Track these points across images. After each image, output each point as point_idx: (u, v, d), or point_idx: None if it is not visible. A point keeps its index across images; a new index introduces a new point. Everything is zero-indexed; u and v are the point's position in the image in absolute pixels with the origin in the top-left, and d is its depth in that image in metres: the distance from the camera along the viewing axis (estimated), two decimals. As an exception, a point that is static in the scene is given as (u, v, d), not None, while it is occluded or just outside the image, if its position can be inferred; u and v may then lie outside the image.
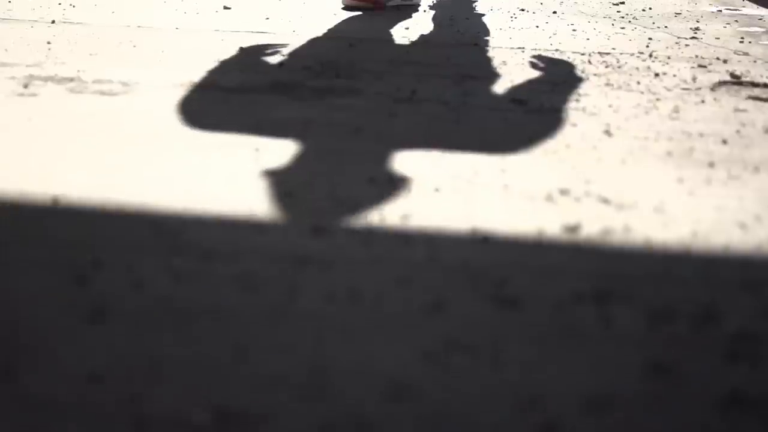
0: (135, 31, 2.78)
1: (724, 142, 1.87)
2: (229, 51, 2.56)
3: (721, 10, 3.64)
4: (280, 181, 1.54)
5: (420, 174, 1.59)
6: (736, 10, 3.69)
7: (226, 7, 3.20)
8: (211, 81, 2.20)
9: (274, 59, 2.46)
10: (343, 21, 3.07)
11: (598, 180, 1.61)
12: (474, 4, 3.46)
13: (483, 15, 3.24)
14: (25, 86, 2.09)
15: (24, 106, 1.94)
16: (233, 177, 1.55)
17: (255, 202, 1.44)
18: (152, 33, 2.77)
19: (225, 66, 2.37)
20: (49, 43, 2.58)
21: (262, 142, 1.74)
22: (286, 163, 1.63)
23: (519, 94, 2.20)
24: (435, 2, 3.39)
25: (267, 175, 1.56)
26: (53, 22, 2.88)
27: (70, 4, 3.19)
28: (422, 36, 2.83)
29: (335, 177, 1.57)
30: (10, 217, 1.37)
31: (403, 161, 1.66)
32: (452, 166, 1.65)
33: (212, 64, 2.39)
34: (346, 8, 3.21)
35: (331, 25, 3.00)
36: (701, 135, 1.91)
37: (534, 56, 2.62)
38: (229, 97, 2.06)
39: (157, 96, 2.04)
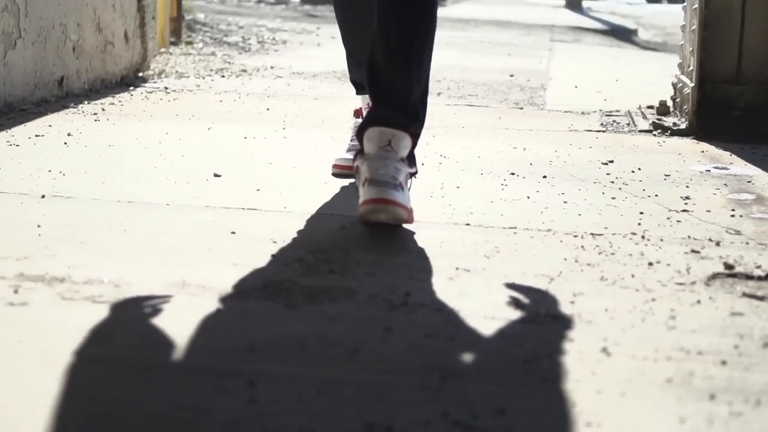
0: (125, 210, 2.77)
1: (723, 363, 1.85)
2: (222, 236, 2.55)
3: (709, 170, 3.66)
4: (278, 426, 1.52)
5: (416, 415, 1.56)
6: (724, 168, 3.71)
7: (216, 175, 3.20)
8: (203, 280, 2.18)
9: (266, 248, 2.45)
10: (335, 192, 3.07)
11: (598, 420, 1.58)
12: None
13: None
14: (15, 291, 2.07)
15: (14, 321, 1.92)
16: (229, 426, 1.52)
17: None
18: (142, 212, 2.76)
19: (217, 258, 2.36)
20: (39, 226, 2.57)
21: (257, 372, 1.71)
22: (283, 403, 1.60)
23: (515, 292, 2.19)
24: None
25: (265, 416, 1.53)
26: (43, 197, 2.87)
27: (60, 172, 3.18)
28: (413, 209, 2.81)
29: (331, 423, 1.54)
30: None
31: (401, 396, 1.63)
32: (448, 403, 1.62)
33: (204, 255, 2.38)
34: (335, 175, 3.21)
35: (323, 198, 2.99)
36: (700, 353, 1.89)
37: (527, 238, 2.62)
38: (222, 306, 2.04)
39: (150, 305, 2.02)
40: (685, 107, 4.63)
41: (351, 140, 3.31)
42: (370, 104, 2.72)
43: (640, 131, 4.52)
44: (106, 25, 5.24)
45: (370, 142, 2.62)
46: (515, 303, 2.13)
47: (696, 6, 4.57)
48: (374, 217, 2.53)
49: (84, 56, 5.02)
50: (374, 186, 2.52)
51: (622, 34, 13.33)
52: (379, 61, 2.64)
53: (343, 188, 3.10)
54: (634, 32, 14.01)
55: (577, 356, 1.85)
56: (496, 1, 21.38)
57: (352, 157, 3.01)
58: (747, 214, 3.00)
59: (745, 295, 2.25)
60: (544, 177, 3.41)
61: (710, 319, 2.08)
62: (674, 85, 4.97)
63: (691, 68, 4.60)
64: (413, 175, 2.75)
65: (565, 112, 5.10)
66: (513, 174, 3.44)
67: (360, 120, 3.19)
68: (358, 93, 3.33)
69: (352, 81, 3.33)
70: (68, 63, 4.87)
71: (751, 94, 4.47)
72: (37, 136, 3.79)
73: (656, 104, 5.01)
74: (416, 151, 2.78)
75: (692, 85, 4.51)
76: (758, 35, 4.48)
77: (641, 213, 2.95)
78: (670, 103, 4.96)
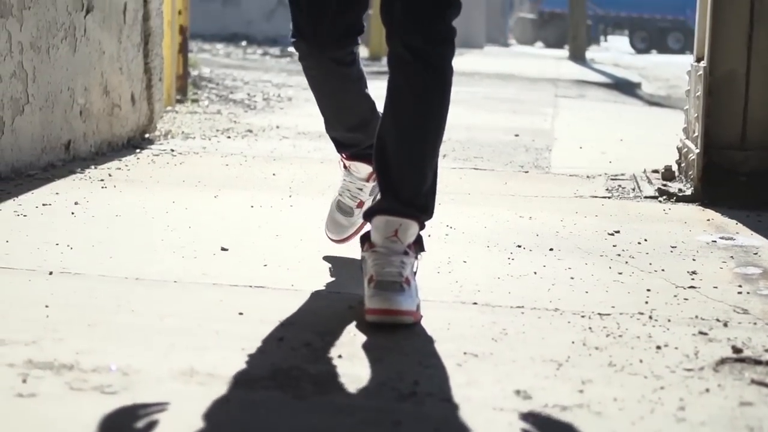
0: (133, 287, 2.78)
1: (734, 460, 1.84)
2: (230, 317, 2.55)
3: (716, 241, 3.67)
4: None
5: None
6: (730, 239, 3.71)
7: (223, 249, 3.21)
8: (211, 367, 2.18)
9: (274, 331, 2.45)
10: (341, 268, 3.07)
11: None
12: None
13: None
14: (24, 380, 2.07)
15: (23, 416, 1.91)
16: None
17: None
18: (150, 290, 2.76)
19: (225, 342, 2.36)
20: (47, 306, 2.57)
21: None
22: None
23: (524, 383, 2.18)
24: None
25: None
26: (51, 273, 2.87)
27: (68, 245, 3.18)
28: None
29: None
30: None
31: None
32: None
33: (212, 338, 2.38)
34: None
35: (330, 274, 3.00)
36: (710, 449, 1.88)
37: (535, 319, 2.62)
38: (231, 397, 2.04)
39: (159, 397, 2.02)
40: (690, 173, 4.65)
41: (339, 194, 3.19)
42: (379, 192, 2.72)
43: (646, 197, 4.54)
44: (113, 88, 5.27)
45: (377, 231, 2.63)
46: (524, 392, 2.12)
47: (701, 73, 4.60)
48: (380, 323, 2.52)
49: (91, 120, 5.04)
50: (380, 291, 2.52)
51: (626, 87, 13.38)
52: (389, 152, 2.64)
53: (349, 262, 3.10)
54: (638, 85, 14.07)
55: (587, 453, 1.84)
56: (499, 52, 21.54)
57: (337, 228, 3.20)
58: (754, 291, 3.00)
59: (753, 382, 2.25)
60: (551, 250, 3.41)
61: (720, 409, 2.08)
62: (679, 150, 4.98)
63: (696, 134, 4.61)
64: (420, 251, 2.75)
65: (571, 175, 5.12)
66: (519, 246, 3.44)
67: (347, 174, 3.17)
68: (339, 151, 3.15)
69: (332, 138, 3.14)
70: (75, 127, 4.89)
71: (756, 159, 4.49)
72: (44, 205, 3.80)
73: (661, 168, 5.03)
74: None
75: (697, 151, 4.53)
76: (763, 101, 4.50)
77: (648, 290, 2.95)
78: (675, 168, 4.97)
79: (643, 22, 38.58)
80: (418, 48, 2.56)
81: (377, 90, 2.90)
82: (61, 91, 4.74)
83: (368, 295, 2.56)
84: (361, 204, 3.15)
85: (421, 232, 2.72)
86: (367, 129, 3.00)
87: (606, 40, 41.77)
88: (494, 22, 37.19)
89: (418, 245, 2.71)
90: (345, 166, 3.16)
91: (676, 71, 18.60)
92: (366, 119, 3.01)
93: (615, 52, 24.94)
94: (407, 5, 2.55)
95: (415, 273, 2.65)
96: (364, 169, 3.11)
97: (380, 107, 2.77)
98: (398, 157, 2.64)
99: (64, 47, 4.74)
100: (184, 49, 7.93)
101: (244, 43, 19.07)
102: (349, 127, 3.04)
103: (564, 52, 23.30)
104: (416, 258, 2.68)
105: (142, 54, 5.62)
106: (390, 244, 2.61)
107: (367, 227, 2.76)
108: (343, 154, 3.14)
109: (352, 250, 3.06)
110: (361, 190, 3.16)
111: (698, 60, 4.77)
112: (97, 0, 5.04)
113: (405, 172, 2.65)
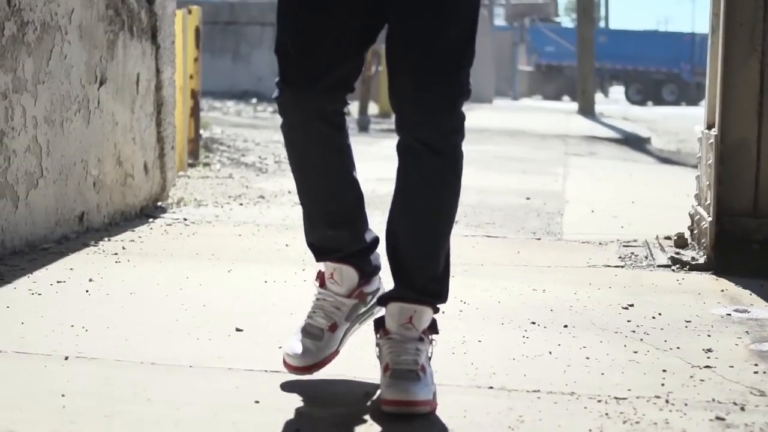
0: (148, 373, 2.78)
1: None
2: (246, 406, 2.55)
3: (730, 314, 3.66)
4: None
5: None
6: (745, 311, 3.71)
7: (238, 329, 3.21)
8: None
9: (291, 421, 2.45)
10: (357, 351, 3.07)
11: None
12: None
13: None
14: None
15: None
16: None
17: None
18: (166, 376, 2.76)
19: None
20: (63, 396, 2.57)
21: None
22: None
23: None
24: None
25: None
26: (66, 358, 2.88)
27: (83, 327, 3.19)
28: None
29: None
30: None
31: None
32: None
33: (229, 429, 2.38)
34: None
35: (345, 357, 2.99)
36: None
37: (551, 404, 2.61)
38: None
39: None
40: (703, 241, 4.65)
41: (308, 317, 2.78)
42: (393, 278, 2.71)
43: (659, 266, 4.53)
44: (126, 158, 5.30)
45: (392, 318, 2.63)
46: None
47: (712, 141, 4.61)
48: (397, 413, 2.50)
49: (104, 190, 5.07)
50: (396, 381, 2.52)
51: (635, 143, 13.42)
52: (402, 241, 2.64)
53: (364, 344, 3.10)
54: (647, 140, 14.11)
55: None
56: (508, 106, 21.61)
57: (300, 351, 2.70)
58: (770, 372, 2.99)
59: (773, 473, 2.23)
60: (565, 326, 3.41)
61: (739, 504, 2.07)
62: (691, 216, 4.99)
63: (708, 201, 4.62)
64: (434, 333, 2.74)
65: (583, 242, 5.12)
66: (534, 323, 3.44)
67: (323, 290, 2.76)
68: (318, 259, 2.79)
69: (309, 244, 2.78)
70: (89, 198, 4.92)
71: (768, 227, 4.49)
72: (58, 282, 3.81)
73: (674, 235, 5.03)
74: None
75: (710, 219, 4.53)
76: (774, 168, 4.51)
77: (664, 370, 2.94)
78: (687, 235, 4.97)
79: (638, 74, 39.21)
80: (430, 140, 2.56)
81: (386, 150, 2.90)
82: (75, 163, 4.77)
83: (384, 385, 2.55)
84: (334, 327, 2.71)
85: (436, 321, 2.72)
86: (354, 227, 2.72)
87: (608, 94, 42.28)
88: (503, 74, 37.41)
89: (432, 329, 2.71)
90: (322, 282, 2.75)
91: (684, 124, 18.67)
92: (353, 214, 2.72)
93: (623, 104, 24.99)
94: (418, 97, 2.52)
95: (430, 358, 2.65)
96: (348, 278, 2.71)
97: (386, 177, 2.76)
98: (411, 245, 2.64)
99: (77, 120, 4.77)
100: (195, 113, 7.98)
101: (254, 100, 19.20)
102: (333, 222, 2.69)
103: (573, 105, 23.37)
104: (431, 343, 2.68)
105: (154, 123, 5.66)
106: (405, 332, 2.61)
107: (381, 312, 2.75)
108: (324, 264, 2.76)
109: (367, 334, 3.06)
110: (338, 309, 2.72)
111: (709, 127, 4.79)
112: (110, 71, 5.08)
113: (418, 260, 2.65)
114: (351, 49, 2.61)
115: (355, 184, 2.72)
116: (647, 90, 39.38)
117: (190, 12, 7.73)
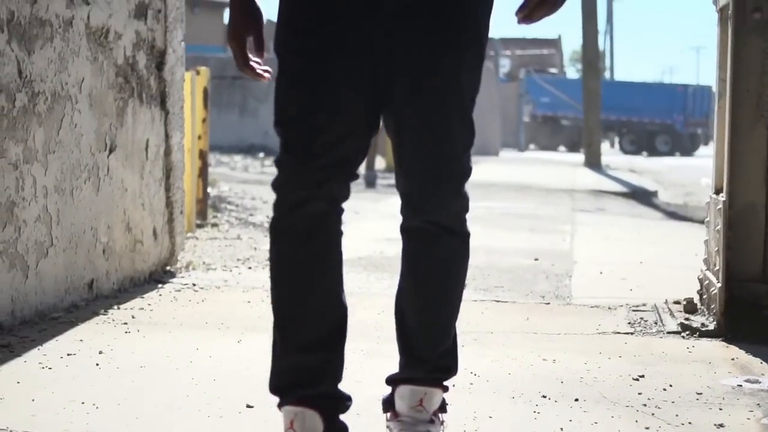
0: (160, 455, 2.77)
1: None
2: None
3: (741, 385, 3.65)
4: None
5: None
6: (756, 382, 3.70)
7: (248, 406, 3.21)
8: None
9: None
10: (367, 430, 3.06)
11: None
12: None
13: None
14: None
15: None
16: None
17: None
18: (177, 458, 2.75)
19: None
20: (74, 481, 2.56)
21: None
22: None
23: None
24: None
25: None
26: (77, 439, 2.87)
27: (94, 404, 3.19)
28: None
29: None
30: None
31: None
32: None
33: None
34: None
35: None
36: None
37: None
38: None
39: None
40: (712, 306, 4.64)
41: None
42: (400, 357, 2.71)
43: (669, 332, 4.52)
44: (135, 224, 5.32)
45: (402, 400, 2.63)
46: None
47: (720, 206, 4.62)
48: None
49: (113, 257, 5.08)
50: None
51: (642, 197, 13.44)
52: (411, 321, 2.65)
53: (375, 425, 3.09)
54: (654, 194, 14.12)
55: None
56: (515, 158, 21.64)
57: None
58: (783, 449, 2.97)
59: None
60: (576, 400, 3.39)
61: None
62: (701, 281, 4.98)
63: (717, 267, 4.62)
64: (443, 412, 2.74)
65: (592, 307, 5.12)
66: (545, 397, 3.43)
67: None
68: (281, 402, 2.48)
69: (275, 388, 2.48)
70: (98, 266, 4.93)
71: (778, 292, 4.48)
72: (68, 355, 3.81)
73: (683, 300, 5.02)
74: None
75: (719, 285, 4.52)
76: (783, 234, 4.51)
77: (677, 449, 2.93)
78: (696, 300, 4.97)
79: (632, 125, 39.68)
80: (444, 223, 2.58)
81: (393, 207, 2.89)
82: (85, 231, 4.78)
83: None
84: None
85: (445, 400, 2.72)
86: (335, 351, 2.48)
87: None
88: (509, 126, 37.57)
89: (440, 408, 2.71)
90: None
91: (689, 176, 18.68)
92: (334, 337, 2.49)
93: (630, 155, 25.04)
94: (423, 187, 2.52)
95: None
96: (311, 428, 2.40)
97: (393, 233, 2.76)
98: (421, 325, 2.65)
99: (87, 187, 4.79)
100: (204, 173, 8.01)
101: (261, 154, 19.27)
102: (311, 342, 2.42)
103: (580, 157, 23.42)
104: (441, 423, 2.68)
105: (163, 188, 5.68)
106: (415, 414, 2.61)
107: (388, 390, 2.75)
108: (284, 413, 2.46)
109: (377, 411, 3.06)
110: None
111: (717, 192, 4.80)
112: (120, 138, 5.11)
113: (428, 338, 2.66)
114: (358, 125, 2.52)
115: (343, 302, 2.52)
116: (641, 140, 39.79)
117: (198, 73, 7.77)
